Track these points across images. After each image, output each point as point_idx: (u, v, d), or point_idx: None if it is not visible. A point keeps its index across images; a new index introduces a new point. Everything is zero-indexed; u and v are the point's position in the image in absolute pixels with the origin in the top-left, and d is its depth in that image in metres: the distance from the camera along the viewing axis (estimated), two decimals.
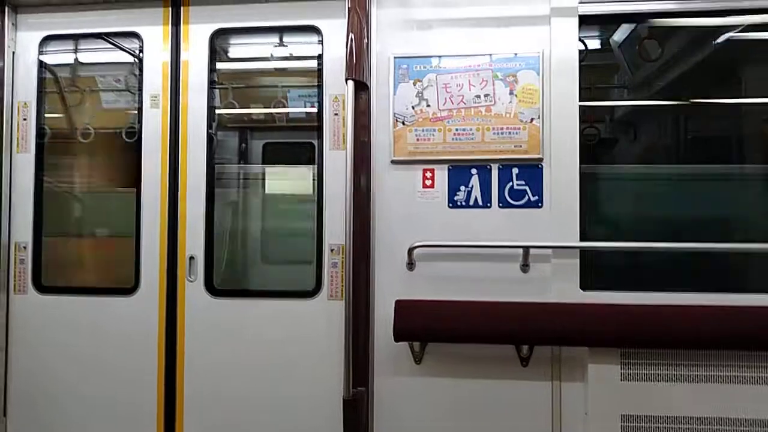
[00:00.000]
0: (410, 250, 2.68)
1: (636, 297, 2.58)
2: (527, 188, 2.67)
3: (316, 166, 2.93)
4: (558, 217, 2.64)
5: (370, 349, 2.73)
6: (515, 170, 2.68)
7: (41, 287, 3.05)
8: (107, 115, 3.37)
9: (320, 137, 2.89)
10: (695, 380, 2.54)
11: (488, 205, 2.69)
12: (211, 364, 2.90)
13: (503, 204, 2.68)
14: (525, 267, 2.65)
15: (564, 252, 2.63)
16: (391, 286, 2.73)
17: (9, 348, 3.05)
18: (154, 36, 3.03)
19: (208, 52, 2.99)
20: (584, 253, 2.65)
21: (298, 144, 3.36)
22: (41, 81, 3.13)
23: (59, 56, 3.22)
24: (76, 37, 3.18)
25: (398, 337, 2.62)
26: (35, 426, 3.04)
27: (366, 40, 2.74)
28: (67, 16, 3.09)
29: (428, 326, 2.62)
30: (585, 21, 2.70)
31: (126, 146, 3.11)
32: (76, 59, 3.27)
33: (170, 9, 3.02)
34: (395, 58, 2.78)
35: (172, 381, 2.93)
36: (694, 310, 2.50)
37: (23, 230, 3.06)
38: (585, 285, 2.62)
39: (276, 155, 3.64)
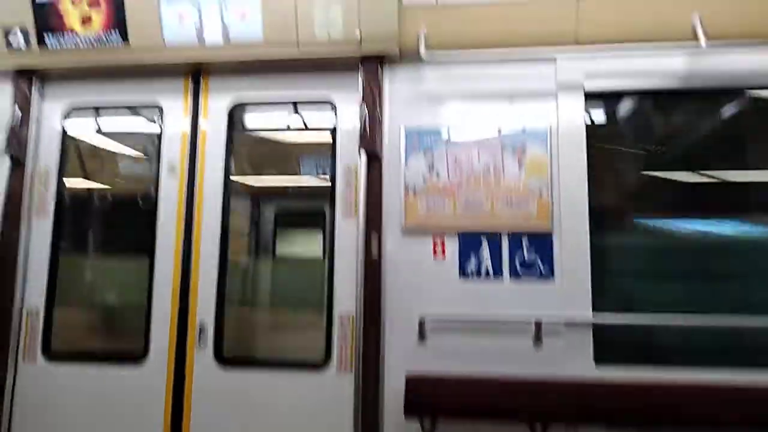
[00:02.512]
0: (421, 322, 2.66)
1: (654, 373, 2.51)
2: (538, 259, 2.67)
3: (327, 233, 2.95)
4: (569, 289, 2.62)
5: (380, 424, 2.66)
6: (525, 241, 2.69)
7: (50, 354, 3.03)
8: (125, 182, 3.45)
9: (332, 205, 2.93)
10: None
11: (499, 276, 2.69)
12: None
13: (514, 275, 2.68)
14: (537, 341, 2.61)
15: (576, 325, 2.59)
16: (401, 358, 2.69)
17: (14, 416, 3.00)
18: (174, 107, 3.13)
19: (226, 123, 3.08)
20: (598, 325, 2.61)
21: (311, 211, 3.40)
22: (63, 149, 3.22)
23: (81, 125, 3.31)
24: (99, 108, 3.29)
25: (409, 412, 2.56)
26: None
27: (378, 113, 2.82)
28: (91, 88, 3.21)
29: (439, 402, 2.57)
30: (591, 97, 2.77)
31: (141, 213, 3.15)
32: (97, 128, 3.37)
33: (190, 82, 3.13)
34: (406, 129, 2.85)
35: None
36: (717, 390, 2.41)
37: (36, 296, 3.07)
38: (599, 359, 2.57)
39: (288, 222, 3.67)
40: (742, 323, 2.55)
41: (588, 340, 2.58)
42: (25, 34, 3.06)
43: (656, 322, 2.61)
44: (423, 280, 2.74)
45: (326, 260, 2.91)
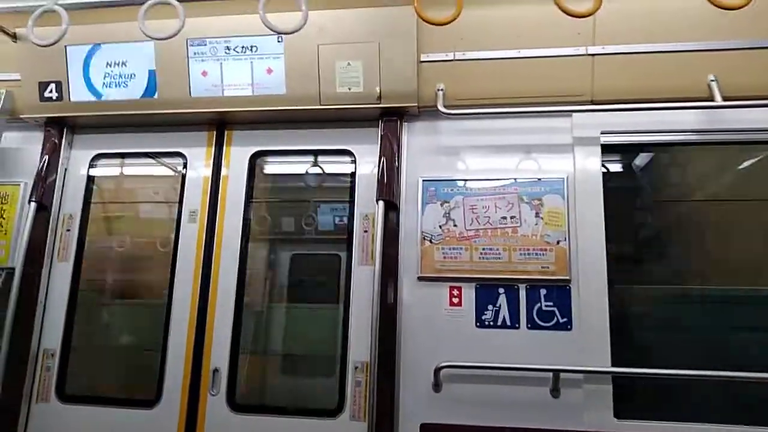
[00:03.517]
0: (437, 371, 2.63)
1: (676, 429, 2.45)
2: (556, 310, 2.66)
3: (342, 279, 2.97)
4: (588, 340, 2.59)
5: None
6: (543, 291, 2.69)
7: (64, 396, 3.02)
8: (146, 227, 3.52)
9: (349, 253, 2.96)
10: None
11: (516, 325, 2.67)
12: None
13: (532, 325, 2.66)
14: (555, 392, 2.56)
15: (595, 377, 2.55)
16: (416, 408, 2.64)
17: None
18: (198, 156, 3.23)
19: (247, 172, 3.16)
20: (618, 378, 2.56)
21: (326, 256, 3.43)
22: (88, 195, 3.31)
23: (106, 171, 3.43)
24: (124, 156, 3.40)
25: None
26: None
27: (396, 164, 2.90)
28: (118, 137, 3.33)
29: None
30: (607, 149, 2.83)
31: (160, 257, 3.20)
32: (122, 174, 3.47)
33: (215, 133, 3.24)
34: (424, 180, 2.91)
35: None
36: None
37: (53, 338, 3.09)
38: (619, 413, 2.51)
39: (304, 267, 3.69)
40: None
41: (608, 392, 2.53)
42: (59, 86, 3.20)
43: (677, 375, 2.52)
44: (439, 329, 2.72)
45: (341, 307, 2.92)
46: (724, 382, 2.53)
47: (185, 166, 3.23)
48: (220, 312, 2.97)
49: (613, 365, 2.55)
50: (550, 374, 2.56)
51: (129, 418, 2.92)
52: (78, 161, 3.34)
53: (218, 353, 2.92)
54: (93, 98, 3.18)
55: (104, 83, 3.17)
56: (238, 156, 3.19)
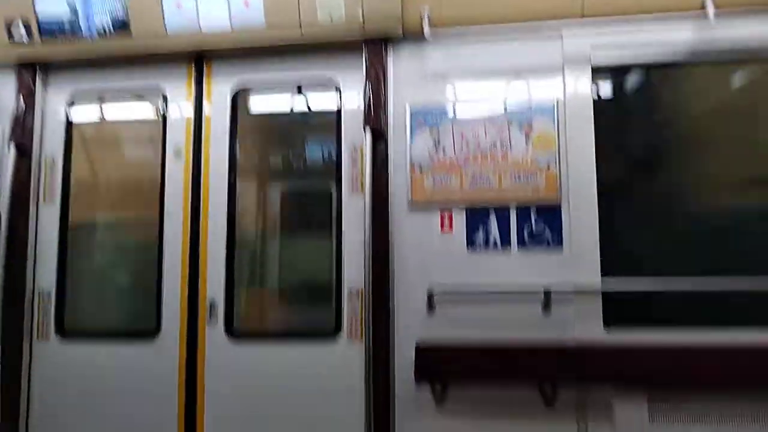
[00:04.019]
0: (430, 293, 2.71)
1: (663, 335, 2.56)
2: (546, 230, 2.71)
3: (335, 211, 2.99)
4: (578, 257, 2.67)
5: (391, 390, 2.72)
6: (533, 213, 2.73)
7: (64, 333, 3.07)
8: (131, 168, 3.47)
9: (339, 183, 2.97)
10: (727, 422, 2.50)
11: (507, 247, 2.74)
12: (231, 406, 2.89)
13: (522, 246, 2.72)
14: (546, 308, 2.66)
15: (586, 292, 2.65)
16: (411, 328, 2.74)
17: (31, 393, 3.05)
18: (178, 91, 3.16)
19: (229, 106, 3.11)
20: (607, 291, 2.65)
21: (317, 191, 3.43)
22: (68, 136, 3.25)
23: (86, 112, 3.33)
24: (102, 94, 3.30)
25: (419, 377, 2.62)
26: None
27: (383, 91, 2.86)
28: (94, 75, 3.24)
29: (449, 367, 2.63)
30: (598, 70, 2.81)
31: (149, 197, 3.18)
32: (101, 115, 3.38)
33: (193, 66, 3.16)
34: (412, 108, 2.88)
35: (192, 425, 2.91)
36: (725, 350, 2.47)
37: (47, 278, 3.11)
38: (608, 324, 2.62)
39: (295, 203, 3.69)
40: (750, 285, 2.56)
41: (597, 305, 2.63)
42: (27, 26, 3.06)
43: (665, 286, 2.62)
44: (431, 254, 2.78)
45: (335, 236, 2.96)
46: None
47: (165, 102, 3.17)
48: (212, 246, 3.00)
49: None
50: (541, 292, 2.64)
51: (131, 351, 3.00)
52: (55, 102, 3.26)
53: (213, 286, 2.97)
54: (64, 35, 3.05)
55: (73, 19, 3.03)
56: (219, 90, 3.13)
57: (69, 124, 3.26)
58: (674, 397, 2.54)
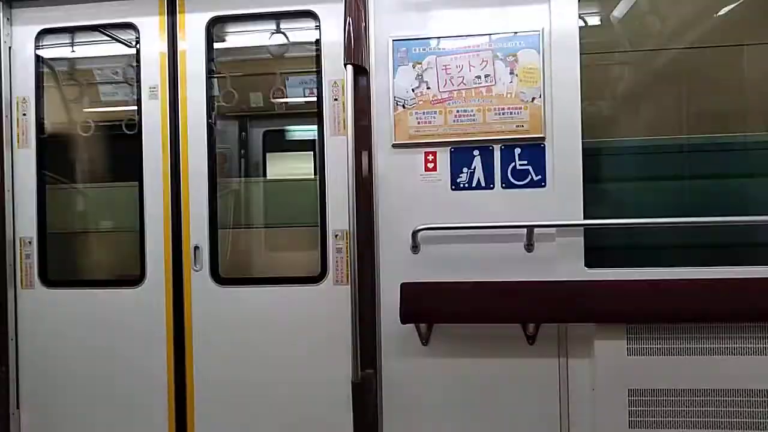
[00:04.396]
0: (414, 233, 2.69)
1: (641, 273, 2.58)
2: (530, 168, 2.67)
3: (317, 152, 2.92)
4: (561, 195, 2.64)
5: (377, 331, 2.75)
6: (517, 150, 2.67)
7: (48, 281, 3.07)
8: (106, 108, 3.37)
9: (320, 123, 2.89)
10: (701, 353, 2.55)
11: (491, 186, 2.69)
12: (220, 352, 2.92)
13: (506, 184, 2.68)
14: (529, 246, 2.65)
15: (568, 230, 2.64)
16: (396, 270, 2.73)
17: (19, 341, 3.08)
18: (150, 27, 3.01)
19: (205, 42, 2.98)
20: (589, 230, 2.65)
21: (299, 131, 3.35)
22: (39, 76, 3.12)
23: (56, 50, 3.20)
24: (72, 31, 3.16)
25: (405, 318, 2.64)
26: (48, 418, 3.08)
27: (364, 24, 2.73)
28: (62, 10, 3.07)
29: (434, 307, 2.64)
30: None
31: (126, 139, 3.10)
32: (72, 53, 3.25)
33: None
34: (394, 40, 2.76)
35: (181, 370, 2.95)
36: (698, 283, 2.51)
37: (27, 225, 3.07)
38: (590, 263, 2.63)
39: (277, 143, 3.63)
40: (727, 222, 2.62)
41: (579, 244, 2.63)
42: None
43: (644, 225, 2.67)
44: (415, 194, 2.74)
45: (318, 178, 2.90)
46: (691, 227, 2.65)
47: (138, 40, 3.02)
48: (193, 189, 2.95)
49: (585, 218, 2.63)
50: (525, 230, 2.63)
51: (116, 298, 3.00)
52: (22, 39, 3.11)
53: (197, 230, 2.94)
54: None
55: None
56: (193, 24, 2.98)
57: (39, 62, 3.12)
58: (651, 332, 2.57)
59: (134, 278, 2.98)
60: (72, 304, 3.04)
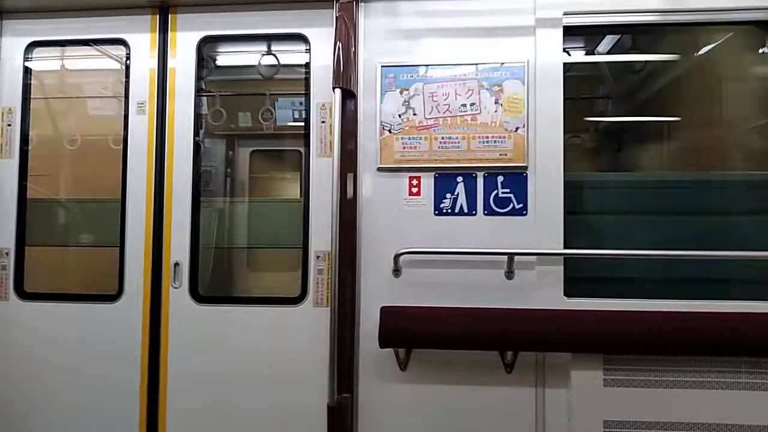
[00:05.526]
0: (396, 257, 2.69)
1: (619, 304, 2.60)
2: (512, 196, 2.69)
3: (302, 173, 2.93)
4: (542, 224, 2.66)
5: (356, 355, 2.73)
6: (500, 178, 2.70)
7: (23, 294, 3.02)
8: (93, 122, 3.37)
9: (307, 145, 2.90)
10: (677, 386, 2.56)
11: (473, 212, 2.71)
12: (195, 370, 2.88)
13: (488, 212, 2.70)
14: (509, 274, 2.67)
15: (548, 259, 2.66)
16: (377, 293, 2.73)
17: None
18: (141, 43, 3.03)
19: (195, 60, 3.00)
20: (568, 260, 2.67)
21: (285, 151, 3.37)
22: (26, 87, 3.12)
23: (45, 63, 3.21)
24: (62, 44, 3.17)
25: (384, 343, 2.62)
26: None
27: (353, 49, 2.77)
28: (54, 23, 3.09)
29: (413, 333, 2.62)
30: (570, 32, 2.75)
31: (112, 153, 3.09)
32: (62, 66, 3.26)
33: (158, 17, 3.03)
34: (382, 66, 2.80)
35: (155, 388, 2.90)
36: (675, 316, 2.53)
37: (6, 237, 3.03)
38: (569, 292, 2.65)
39: (263, 163, 3.63)
40: (704, 256, 2.65)
41: (559, 272, 2.65)
42: None
43: (624, 256, 2.70)
44: (398, 218, 2.75)
45: (302, 200, 2.90)
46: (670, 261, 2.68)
47: (128, 56, 3.04)
48: (176, 206, 2.94)
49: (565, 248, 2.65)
50: (505, 257, 2.64)
51: (93, 313, 2.95)
52: (11, 50, 3.11)
53: (178, 247, 2.92)
54: None
55: None
56: (184, 42, 3.00)
57: (28, 74, 3.12)
58: (628, 363, 2.58)
59: (112, 294, 2.94)
60: (47, 318, 2.98)
